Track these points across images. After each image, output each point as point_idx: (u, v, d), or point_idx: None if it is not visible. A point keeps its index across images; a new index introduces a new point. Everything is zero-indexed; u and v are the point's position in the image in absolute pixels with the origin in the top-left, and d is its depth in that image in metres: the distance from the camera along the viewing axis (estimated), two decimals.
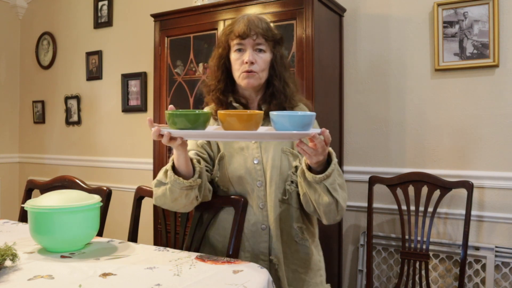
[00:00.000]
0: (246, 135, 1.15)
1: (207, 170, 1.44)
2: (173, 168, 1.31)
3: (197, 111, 1.13)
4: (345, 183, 1.37)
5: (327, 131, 1.17)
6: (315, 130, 1.14)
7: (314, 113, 1.13)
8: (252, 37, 1.40)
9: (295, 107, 1.48)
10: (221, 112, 1.13)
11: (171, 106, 1.19)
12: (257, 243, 1.42)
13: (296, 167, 1.42)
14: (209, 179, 1.45)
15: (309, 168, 1.29)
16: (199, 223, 1.52)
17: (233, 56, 1.44)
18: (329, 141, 1.19)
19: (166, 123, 1.17)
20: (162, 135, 1.15)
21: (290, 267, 1.45)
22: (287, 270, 1.44)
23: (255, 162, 1.43)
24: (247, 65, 1.40)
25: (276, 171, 1.41)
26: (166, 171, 1.32)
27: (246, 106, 1.48)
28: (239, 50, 1.43)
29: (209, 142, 1.48)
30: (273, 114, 1.12)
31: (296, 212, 1.44)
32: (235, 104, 1.47)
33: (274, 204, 1.41)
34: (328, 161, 1.28)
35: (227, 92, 1.48)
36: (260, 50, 1.42)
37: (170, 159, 1.32)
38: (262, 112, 1.15)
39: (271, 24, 1.49)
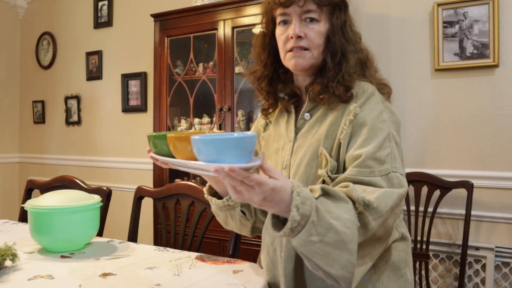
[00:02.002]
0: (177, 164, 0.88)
1: None
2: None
3: (172, 133, 0.92)
4: (354, 236, 0.85)
5: (237, 169, 0.72)
6: (256, 160, 0.79)
7: (250, 135, 0.77)
8: (298, 3, 1.05)
9: (349, 88, 1.07)
10: (169, 135, 0.89)
11: (182, 128, 1.02)
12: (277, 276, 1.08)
13: (323, 180, 1.01)
14: None
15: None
16: None
17: (278, 31, 1.11)
18: (247, 180, 0.74)
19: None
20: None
21: None
22: None
23: (284, 167, 1.11)
24: (293, 40, 1.06)
25: (301, 181, 1.04)
26: None
27: (298, 97, 1.16)
28: (284, 22, 1.09)
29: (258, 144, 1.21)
30: (192, 138, 0.79)
31: None
32: (280, 95, 1.16)
33: None
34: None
35: (277, 80, 1.17)
36: (312, 20, 1.07)
37: None
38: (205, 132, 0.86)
39: None
